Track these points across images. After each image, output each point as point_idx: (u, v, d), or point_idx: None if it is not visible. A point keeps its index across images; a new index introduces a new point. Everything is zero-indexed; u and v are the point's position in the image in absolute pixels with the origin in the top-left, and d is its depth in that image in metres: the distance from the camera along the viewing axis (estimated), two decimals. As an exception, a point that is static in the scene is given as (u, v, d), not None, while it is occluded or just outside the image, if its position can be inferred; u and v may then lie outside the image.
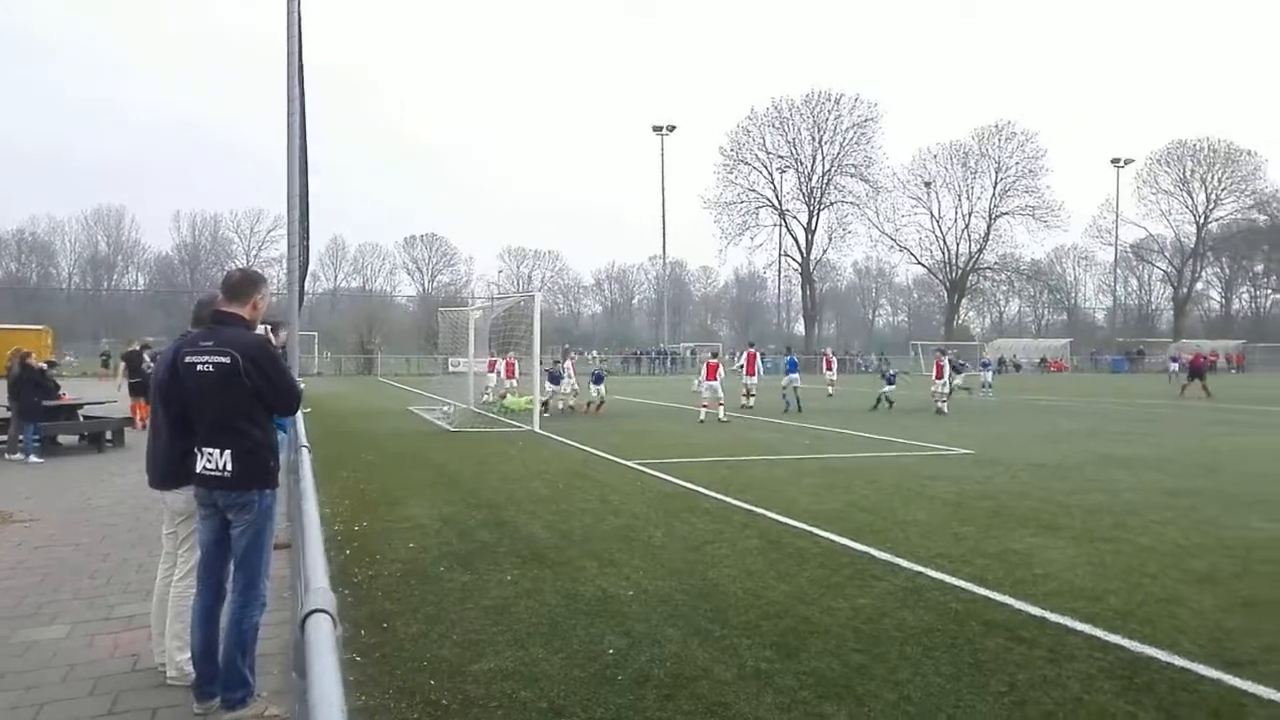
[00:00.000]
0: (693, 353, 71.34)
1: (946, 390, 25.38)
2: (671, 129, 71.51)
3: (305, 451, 5.77)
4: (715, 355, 24.15)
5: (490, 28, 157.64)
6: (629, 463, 13.69)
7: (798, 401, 24.96)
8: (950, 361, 26.65)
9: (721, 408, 21.89)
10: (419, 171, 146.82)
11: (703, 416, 21.80)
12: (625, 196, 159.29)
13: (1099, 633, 5.59)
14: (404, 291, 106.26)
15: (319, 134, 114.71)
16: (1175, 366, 54.12)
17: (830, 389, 33.03)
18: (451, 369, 31.02)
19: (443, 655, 5.21)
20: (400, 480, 12.11)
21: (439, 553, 7.76)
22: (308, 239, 18.15)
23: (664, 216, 75.86)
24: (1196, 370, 34.82)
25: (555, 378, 23.89)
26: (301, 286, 17.61)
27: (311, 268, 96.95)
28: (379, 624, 5.77)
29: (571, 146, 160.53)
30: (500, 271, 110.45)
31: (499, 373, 27.44)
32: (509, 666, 5.02)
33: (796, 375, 26.03)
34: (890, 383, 27.10)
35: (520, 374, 26.59)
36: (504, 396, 25.65)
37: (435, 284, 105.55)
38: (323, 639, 1.87)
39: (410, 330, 74.97)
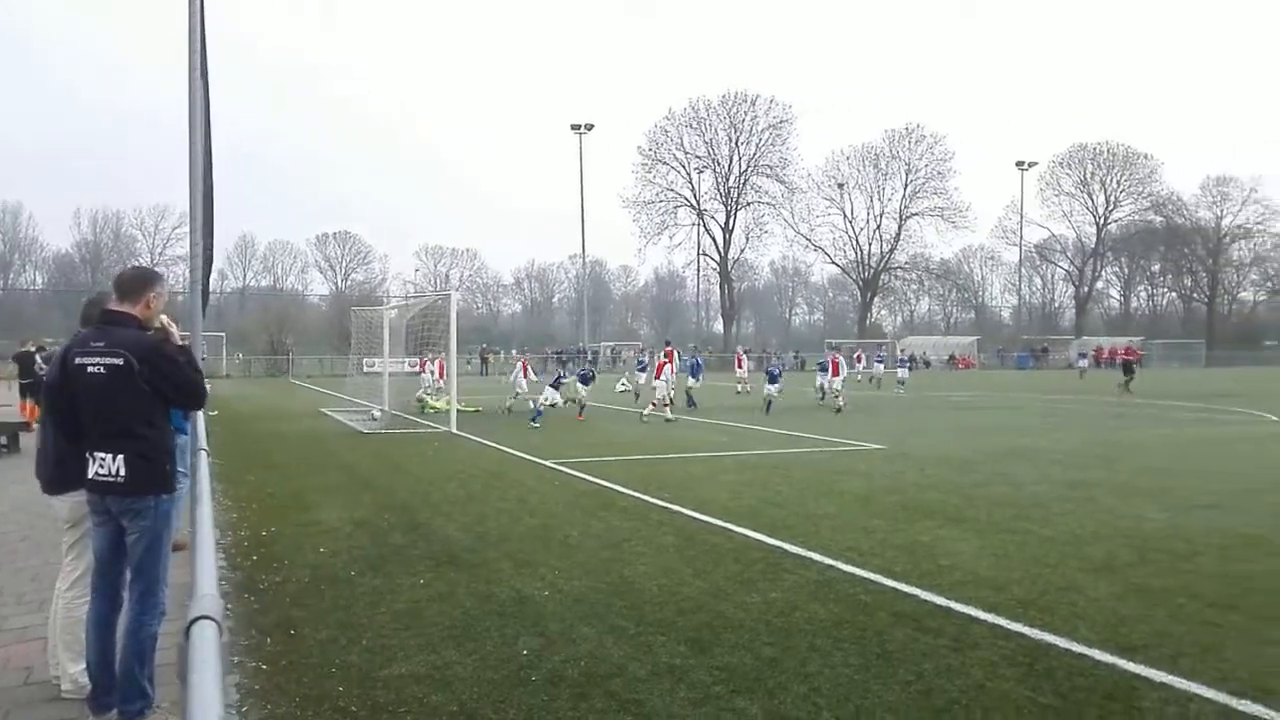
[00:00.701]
0: (613, 351, 71.46)
1: (841, 387, 25.61)
2: (590, 128, 71.46)
3: (204, 454, 5.58)
4: (667, 352, 24.12)
5: (409, 19, 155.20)
6: (547, 462, 13.63)
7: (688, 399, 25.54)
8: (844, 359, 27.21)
9: (652, 407, 21.93)
10: (333, 167, 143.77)
11: (647, 414, 21.65)
12: (545, 195, 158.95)
13: (1001, 621, 5.76)
14: (316, 290, 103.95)
15: (227, 124, 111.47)
16: (1084, 362, 56.39)
17: (741, 386, 33.42)
18: (366, 370, 30.43)
19: (352, 661, 5.10)
20: (311, 484, 11.84)
21: (350, 557, 7.61)
22: (212, 236, 17.60)
23: (583, 215, 76.05)
24: (1127, 365, 36.26)
25: (586, 378, 23.34)
26: (206, 285, 17.06)
27: (219, 265, 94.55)
28: (286, 631, 5.63)
29: (491, 144, 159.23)
30: (417, 270, 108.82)
31: (431, 373, 27.11)
32: (420, 671, 4.94)
33: (690, 376, 26.63)
34: (773, 381, 25.32)
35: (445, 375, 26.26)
36: (422, 399, 25.29)
37: (349, 283, 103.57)
38: (206, 646, 1.81)
39: (323, 330, 73.35)
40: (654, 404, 21.92)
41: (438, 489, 11.30)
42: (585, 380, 23.30)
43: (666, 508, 9.79)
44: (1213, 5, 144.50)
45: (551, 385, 22.04)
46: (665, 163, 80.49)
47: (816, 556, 7.50)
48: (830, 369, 26.02)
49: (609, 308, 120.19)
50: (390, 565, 7.31)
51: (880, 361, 39.88)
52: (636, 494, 10.68)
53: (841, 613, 5.95)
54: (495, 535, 8.47)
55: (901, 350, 47.09)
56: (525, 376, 24.91)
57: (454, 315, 20.01)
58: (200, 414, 6.22)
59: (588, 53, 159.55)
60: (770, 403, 24.07)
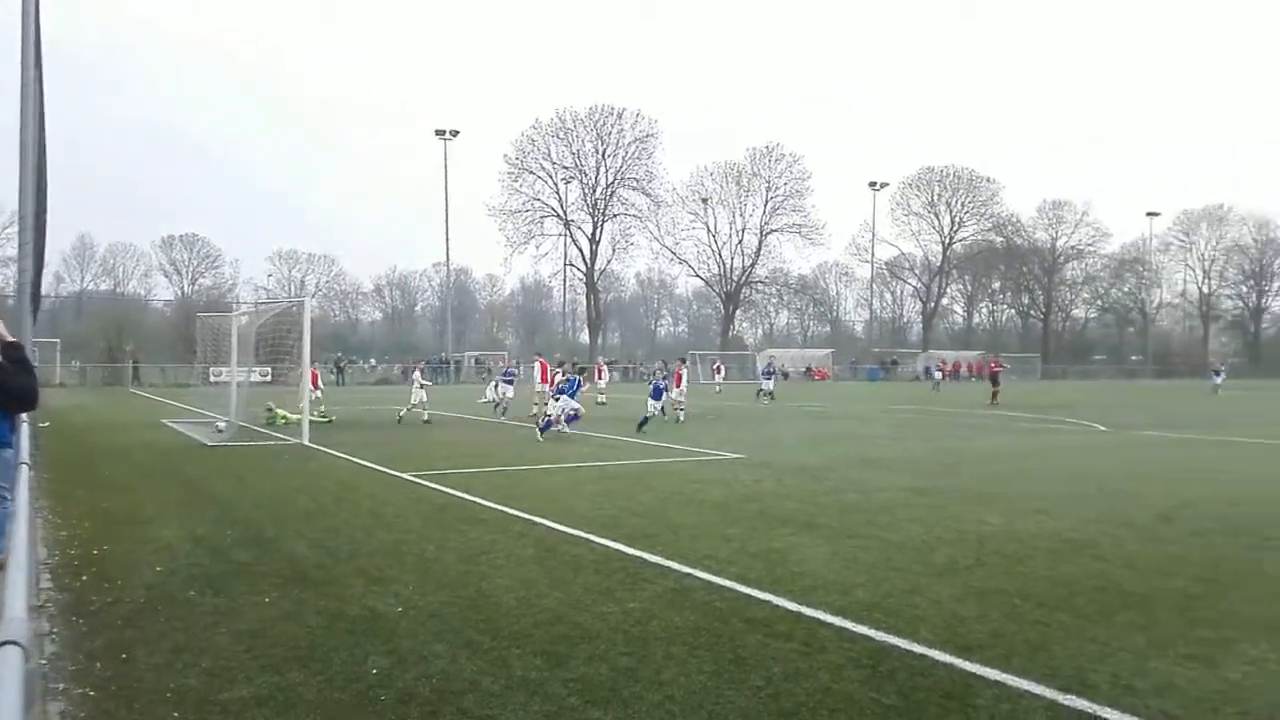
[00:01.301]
0: (477, 361, 70.47)
1: (682, 399, 25.68)
2: (455, 134, 70.46)
3: (25, 469, 5.20)
4: (561, 364, 23.97)
5: (267, 16, 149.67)
6: (404, 475, 13.31)
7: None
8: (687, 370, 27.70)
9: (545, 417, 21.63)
10: (181, 166, 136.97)
11: (560, 427, 21.29)
12: (409, 201, 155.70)
13: (848, 624, 5.95)
14: (160, 295, 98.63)
15: (65, 119, 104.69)
16: (939, 375, 59.15)
17: (601, 397, 33.64)
18: (213, 379, 29.09)
19: (189, 685, 4.84)
20: (149, 499, 11.20)
21: (189, 575, 7.22)
22: (44, 235, 16.51)
23: (448, 223, 73.98)
24: (994, 377, 38.10)
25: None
26: (36, 288, 15.99)
27: (54, 268, 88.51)
28: (117, 654, 5.29)
29: (353, 149, 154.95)
30: (270, 275, 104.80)
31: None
32: (263, 693, 4.73)
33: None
34: (656, 397, 23.56)
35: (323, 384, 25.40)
36: (271, 409, 24.27)
37: (196, 288, 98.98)
38: (9, 674, 1.67)
39: (167, 337, 69.63)
40: (546, 415, 21.75)
41: (286, 503, 10.88)
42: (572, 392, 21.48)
43: (527, 519, 9.71)
44: (1044, 41, 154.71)
45: (565, 395, 20.60)
46: (532, 172, 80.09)
47: (675, 565, 7.58)
48: (674, 380, 26.01)
49: (474, 317, 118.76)
50: (233, 584, 6.98)
51: (768, 375, 40.56)
52: (496, 506, 10.55)
53: (697, 620, 6.02)
54: (346, 551, 8.20)
55: (770, 362, 48.18)
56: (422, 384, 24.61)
57: (308, 323, 19.33)
58: (25, 426, 5.80)
59: (454, 59, 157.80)
60: (647, 420, 23.50)
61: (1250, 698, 4.70)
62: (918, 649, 5.48)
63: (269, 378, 28.39)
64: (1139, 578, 7.32)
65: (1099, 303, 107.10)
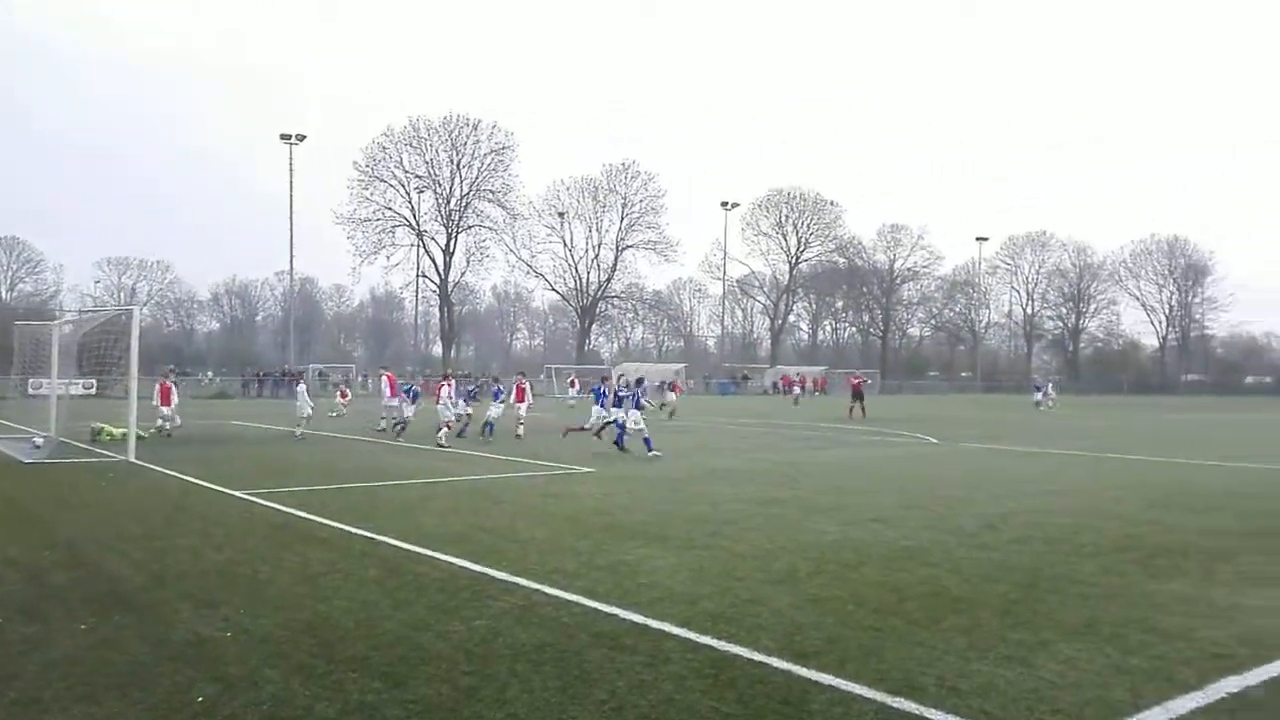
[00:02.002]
0: (321, 374, 68.03)
1: (525, 414, 25.50)
2: (301, 138, 68.12)
3: None
4: (445, 377, 23.80)
5: (95, 15, 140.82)
6: (240, 493, 12.70)
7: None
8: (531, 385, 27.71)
9: (445, 430, 21.17)
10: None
11: (441, 439, 20.77)
12: (251, 208, 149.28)
13: (692, 635, 6.04)
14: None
15: None
16: (799, 390, 61.13)
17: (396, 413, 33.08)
18: (32, 391, 27.03)
19: (-13, 724, 4.46)
20: (-50, 522, 10.29)
21: (-5, 603, 6.67)
22: None
23: (292, 230, 71.10)
24: (857, 392, 39.15)
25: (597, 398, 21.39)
26: None
27: None
28: (-96, 694, 4.83)
29: (188, 153, 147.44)
30: (98, 282, 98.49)
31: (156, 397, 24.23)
32: (73, 728, 4.41)
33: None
34: (496, 397, 25.02)
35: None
36: (97, 428, 22.71)
37: (15, 294, 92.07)
38: None
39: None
40: (448, 426, 21.39)
41: (109, 524, 10.21)
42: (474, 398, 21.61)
43: (370, 538, 9.42)
44: (883, 73, 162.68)
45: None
46: (384, 180, 78.19)
47: (523, 581, 7.51)
48: (515, 394, 25.61)
49: (320, 328, 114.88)
50: (48, 609, 6.49)
51: (671, 389, 40.94)
52: (338, 525, 10.20)
53: (544, 637, 5.98)
54: (174, 573, 7.76)
55: (623, 375, 48.62)
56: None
57: (136, 333, 18.22)
58: None
59: (299, 63, 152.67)
60: (490, 425, 23.65)
61: (1063, 695, 5.02)
62: (758, 657, 5.60)
63: (94, 390, 26.61)
64: (965, 583, 7.72)
65: (933, 322, 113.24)
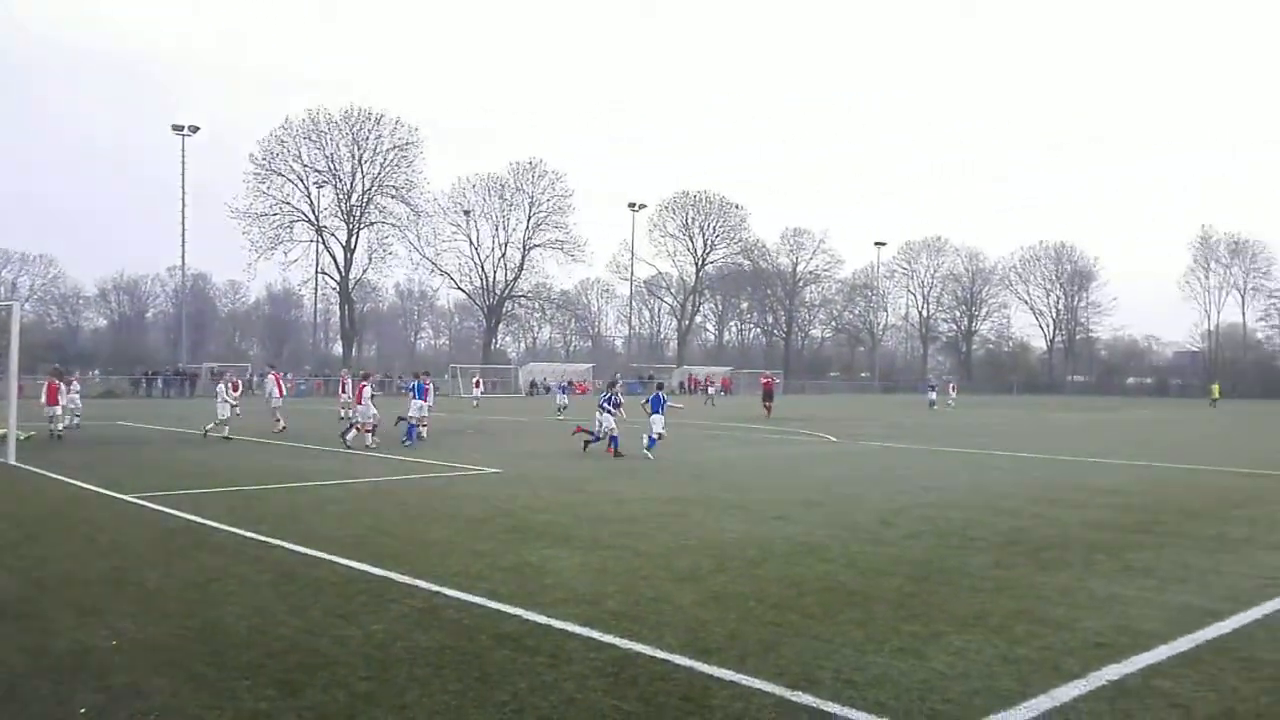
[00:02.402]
0: (214, 373, 65.75)
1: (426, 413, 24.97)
2: (195, 129, 65.80)
3: None
4: (365, 376, 23.18)
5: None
6: (128, 497, 12.20)
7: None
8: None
9: (369, 434, 20.49)
10: None
11: (370, 442, 20.16)
12: (139, 200, 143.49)
13: (595, 634, 6.04)
14: None
15: None
16: (713, 390, 61.79)
17: (345, 411, 32.38)
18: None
19: None
20: None
21: None
22: None
23: (184, 224, 68.24)
24: (767, 392, 39.87)
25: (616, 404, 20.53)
26: None
27: None
28: None
29: (71, 143, 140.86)
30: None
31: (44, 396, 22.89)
32: (-61, 748, 4.17)
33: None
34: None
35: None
36: None
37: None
38: None
39: None
40: (359, 429, 20.70)
41: (-16, 531, 9.69)
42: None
43: (265, 542, 9.16)
44: (795, 81, 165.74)
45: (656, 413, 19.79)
46: (281, 174, 75.86)
47: (424, 584, 7.40)
48: (355, 396, 25.03)
49: (214, 325, 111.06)
50: (-91, 625, 6.13)
51: (563, 390, 40.98)
52: (231, 529, 9.88)
53: (444, 639, 5.91)
54: (55, 581, 7.42)
55: (530, 376, 48.53)
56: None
57: (16, 329, 17.34)
58: None
59: (195, 52, 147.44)
60: (411, 426, 22.81)
61: (952, 685, 5.19)
62: (661, 654, 5.64)
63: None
64: (861, 577, 7.92)
65: (834, 323, 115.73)
